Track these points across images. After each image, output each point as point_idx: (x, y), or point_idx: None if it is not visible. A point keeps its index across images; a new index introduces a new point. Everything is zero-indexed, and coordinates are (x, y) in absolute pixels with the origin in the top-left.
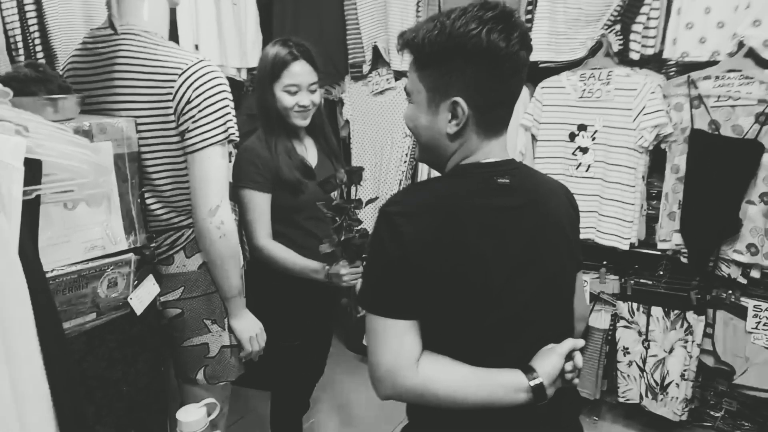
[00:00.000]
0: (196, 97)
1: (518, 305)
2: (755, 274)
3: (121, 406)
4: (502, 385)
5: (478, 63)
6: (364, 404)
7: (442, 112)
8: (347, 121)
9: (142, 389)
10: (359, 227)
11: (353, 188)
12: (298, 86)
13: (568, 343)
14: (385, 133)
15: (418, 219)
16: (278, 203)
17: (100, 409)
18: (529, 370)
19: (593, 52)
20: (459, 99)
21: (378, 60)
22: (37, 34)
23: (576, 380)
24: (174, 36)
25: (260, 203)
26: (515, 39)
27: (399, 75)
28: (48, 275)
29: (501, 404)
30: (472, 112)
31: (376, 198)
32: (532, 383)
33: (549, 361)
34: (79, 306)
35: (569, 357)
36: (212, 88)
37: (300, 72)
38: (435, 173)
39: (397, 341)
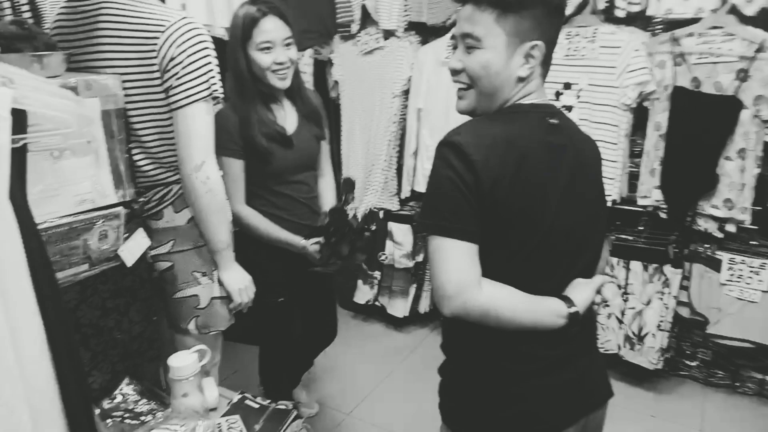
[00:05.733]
0: (180, 54)
1: (563, 234)
2: (731, 228)
3: (116, 353)
4: (548, 309)
5: (552, 12)
6: (357, 358)
7: (518, 55)
8: (336, 82)
9: (136, 337)
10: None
11: (348, 197)
12: (272, 42)
13: (600, 279)
14: (374, 94)
15: (487, 150)
16: (251, 170)
17: (96, 355)
18: (566, 300)
19: (579, 9)
20: (540, 43)
21: (367, 19)
22: None
23: (600, 310)
24: None
25: (234, 169)
26: None
27: (388, 34)
28: (40, 227)
29: (543, 327)
30: (542, 56)
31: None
32: (571, 310)
33: (584, 293)
34: (72, 257)
35: (598, 291)
36: (195, 45)
37: (272, 28)
38: (423, 137)
39: (465, 261)
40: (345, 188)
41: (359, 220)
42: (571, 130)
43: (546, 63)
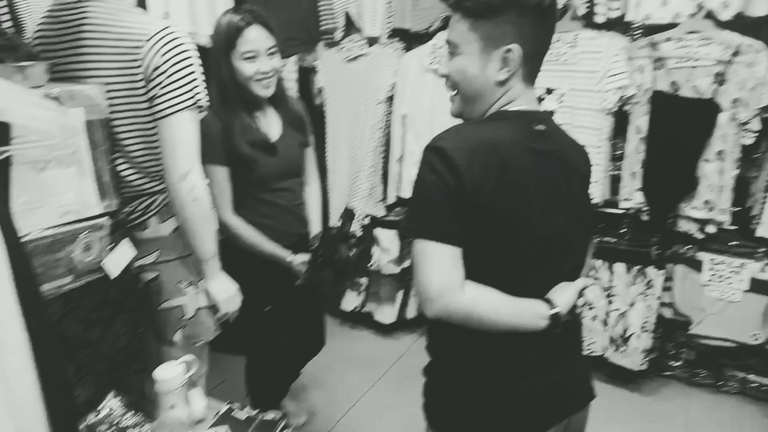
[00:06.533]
0: (164, 63)
1: (548, 239)
2: (711, 229)
3: (101, 366)
4: (530, 311)
5: (530, 15)
6: (345, 366)
7: (494, 60)
8: (321, 89)
9: (121, 350)
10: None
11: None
12: (256, 52)
13: (581, 282)
14: (359, 100)
15: (472, 155)
16: (235, 178)
17: (80, 369)
18: (548, 302)
19: (560, 15)
20: (514, 46)
21: (350, 26)
22: (3, 2)
23: (583, 313)
24: (144, 3)
25: (219, 177)
26: None
27: (371, 41)
28: (24, 239)
29: (525, 329)
30: (522, 60)
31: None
32: (551, 312)
33: (565, 295)
34: (56, 269)
35: (580, 293)
36: (179, 54)
37: (256, 37)
38: (408, 143)
39: (448, 265)
40: (344, 217)
41: (352, 250)
42: (559, 136)
43: (529, 65)
